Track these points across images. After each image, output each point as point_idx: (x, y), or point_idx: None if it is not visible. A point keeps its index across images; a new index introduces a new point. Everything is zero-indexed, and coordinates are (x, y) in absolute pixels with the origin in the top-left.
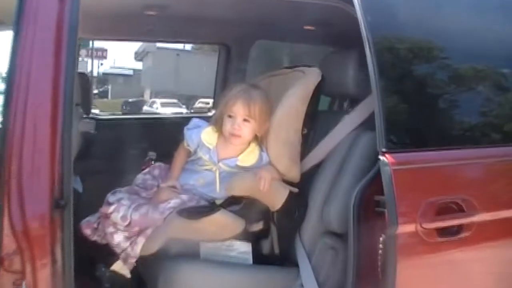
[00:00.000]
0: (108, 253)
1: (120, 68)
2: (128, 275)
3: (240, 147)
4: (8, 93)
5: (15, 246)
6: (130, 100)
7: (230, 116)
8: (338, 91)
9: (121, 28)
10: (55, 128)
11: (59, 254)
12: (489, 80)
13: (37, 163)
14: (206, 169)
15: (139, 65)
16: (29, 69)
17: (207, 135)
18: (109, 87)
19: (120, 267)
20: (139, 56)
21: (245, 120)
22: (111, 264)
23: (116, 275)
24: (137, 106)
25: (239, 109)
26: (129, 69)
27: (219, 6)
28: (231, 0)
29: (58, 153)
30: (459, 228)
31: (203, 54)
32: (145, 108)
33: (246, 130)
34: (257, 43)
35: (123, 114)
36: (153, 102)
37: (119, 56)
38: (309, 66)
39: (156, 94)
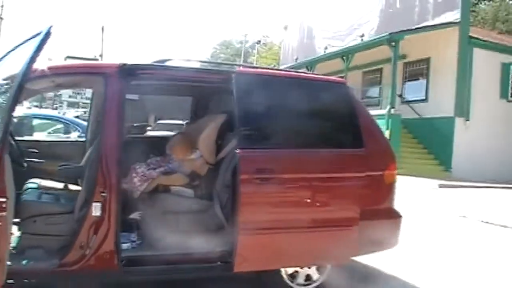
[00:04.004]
0: None
1: None
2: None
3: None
4: (102, 132)
5: (104, 183)
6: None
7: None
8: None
9: None
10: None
11: (119, 188)
12: (283, 119)
13: (110, 161)
14: (175, 161)
15: None
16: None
17: (174, 151)
18: None
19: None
20: None
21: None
22: None
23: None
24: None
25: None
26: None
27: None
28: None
29: (118, 154)
30: (269, 178)
31: None
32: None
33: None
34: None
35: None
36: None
37: None
38: (225, 112)
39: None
